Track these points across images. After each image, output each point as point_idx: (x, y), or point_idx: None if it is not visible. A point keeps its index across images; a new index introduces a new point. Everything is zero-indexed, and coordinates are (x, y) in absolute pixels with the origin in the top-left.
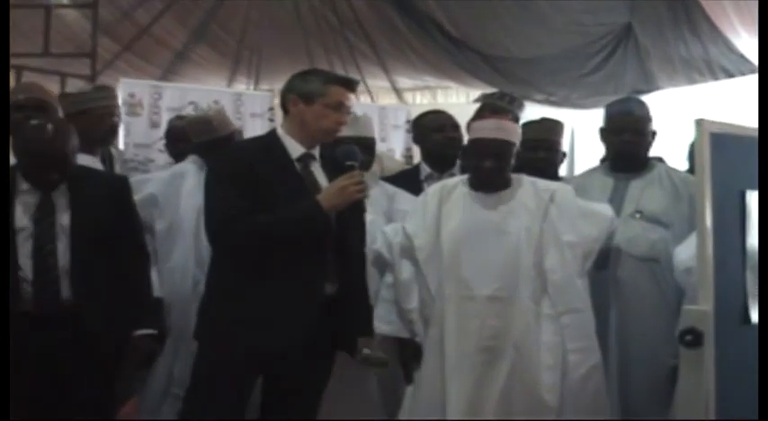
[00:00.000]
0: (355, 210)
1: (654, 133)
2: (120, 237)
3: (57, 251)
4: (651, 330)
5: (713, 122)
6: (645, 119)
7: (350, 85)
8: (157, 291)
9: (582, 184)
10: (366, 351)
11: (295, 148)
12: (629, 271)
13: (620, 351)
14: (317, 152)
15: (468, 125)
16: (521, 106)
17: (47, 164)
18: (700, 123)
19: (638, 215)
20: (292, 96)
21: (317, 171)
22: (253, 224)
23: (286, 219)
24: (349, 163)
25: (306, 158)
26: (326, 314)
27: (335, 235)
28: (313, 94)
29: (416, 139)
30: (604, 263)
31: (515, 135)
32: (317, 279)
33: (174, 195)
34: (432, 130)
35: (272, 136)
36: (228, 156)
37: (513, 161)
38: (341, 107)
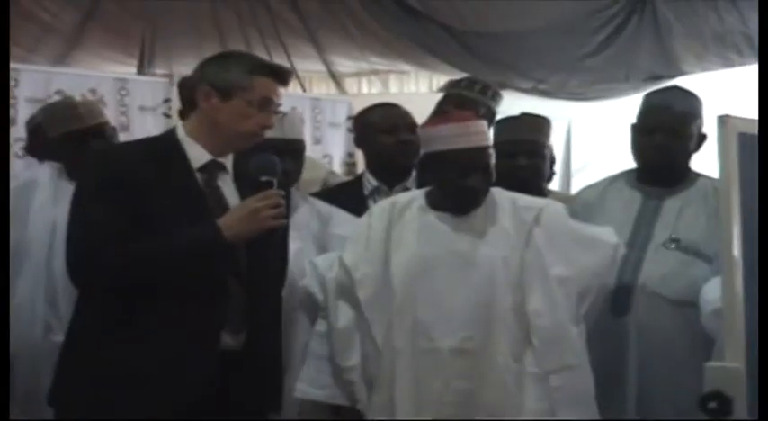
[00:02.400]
0: (273, 238)
1: (702, 136)
2: None
3: None
4: (683, 397)
5: (742, 120)
6: (687, 116)
7: (281, 76)
8: None
9: (596, 200)
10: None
11: (199, 155)
12: (657, 317)
13: None
14: (228, 161)
15: (424, 128)
16: (496, 97)
17: None
18: (724, 121)
19: (672, 245)
20: (205, 88)
21: (227, 186)
22: (123, 255)
23: (170, 250)
24: (264, 178)
25: (212, 169)
26: (227, 375)
27: (245, 270)
28: (232, 87)
29: (360, 142)
30: (626, 306)
31: (489, 137)
32: (211, 328)
33: (22, 211)
34: (380, 131)
35: (168, 138)
36: (103, 161)
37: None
38: (268, 105)
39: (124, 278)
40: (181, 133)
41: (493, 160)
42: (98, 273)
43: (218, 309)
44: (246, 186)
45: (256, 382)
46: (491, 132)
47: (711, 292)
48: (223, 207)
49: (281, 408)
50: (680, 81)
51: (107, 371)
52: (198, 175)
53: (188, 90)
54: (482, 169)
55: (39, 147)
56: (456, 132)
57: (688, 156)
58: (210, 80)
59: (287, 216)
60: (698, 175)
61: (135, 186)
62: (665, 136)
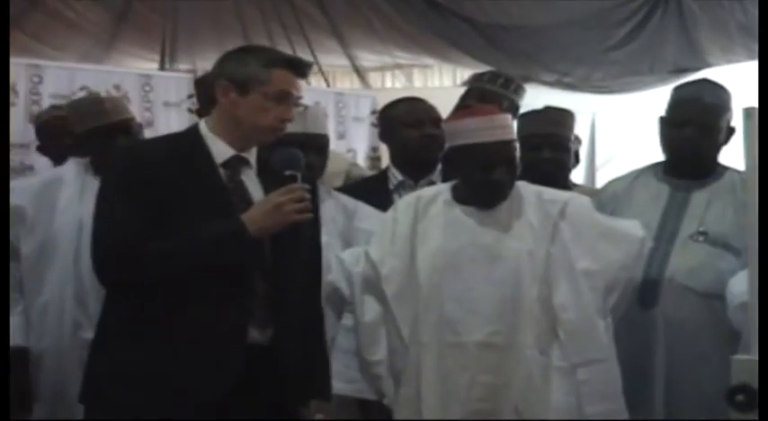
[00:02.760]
0: (299, 231)
1: (731, 129)
2: None
3: None
4: (711, 390)
5: None
6: (717, 109)
7: (300, 69)
8: (18, 336)
9: (623, 192)
10: (320, 418)
11: (222, 151)
12: (686, 310)
13: (668, 415)
14: (252, 156)
15: (448, 122)
16: (519, 90)
17: None
18: (749, 113)
19: (701, 237)
20: (223, 83)
21: (251, 181)
22: (148, 252)
23: (195, 246)
24: (288, 172)
25: (235, 164)
26: (255, 371)
27: (271, 265)
28: (250, 81)
29: (384, 136)
30: (653, 298)
31: (514, 130)
32: (238, 323)
33: (48, 209)
34: (405, 125)
35: (192, 134)
36: (127, 158)
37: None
38: (286, 98)
39: (149, 275)
40: (204, 129)
41: (518, 153)
42: (123, 269)
43: (243, 305)
44: (270, 181)
45: (294, 377)
46: (515, 126)
47: (738, 286)
48: (247, 202)
49: (330, 396)
50: (705, 73)
51: (135, 369)
52: (221, 171)
53: (208, 86)
54: (507, 162)
55: (50, 145)
56: (480, 126)
57: (717, 150)
58: (228, 75)
59: (315, 210)
60: (726, 168)
61: (159, 183)
62: (694, 129)
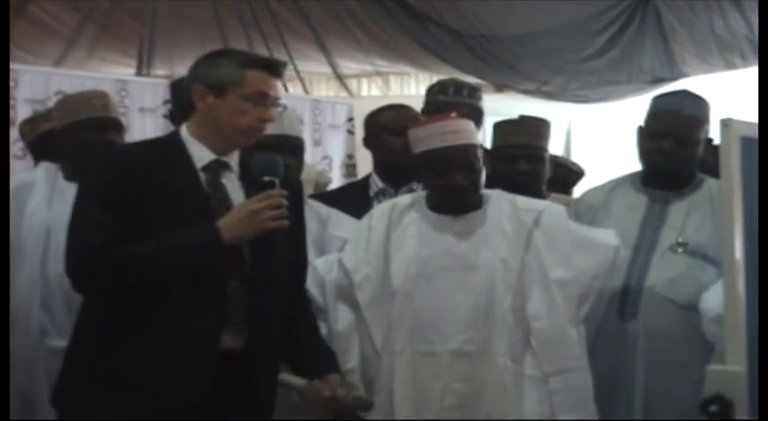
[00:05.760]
0: (276, 238)
1: (709, 140)
2: None
3: None
4: (690, 401)
5: (745, 123)
6: (695, 121)
7: (274, 69)
8: None
9: (601, 202)
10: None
11: (202, 155)
12: (665, 322)
13: None
14: (233, 159)
15: (409, 131)
16: (473, 93)
17: None
18: (726, 125)
19: (680, 249)
20: (199, 87)
21: (232, 185)
22: (122, 257)
23: (170, 252)
24: (267, 178)
25: (216, 168)
26: (227, 376)
27: (249, 271)
28: (225, 83)
29: (368, 143)
30: (633, 310)
31: (476, 135)
32: (211, 329)
33: (17, 214)
34: (389, 132)
35: (172, 138)
36: (107, 162)
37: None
38: (264, 99)
39: (124, 280)
40: (184, 133)
41: (479, 158)
42: (97, 275)
43: (218, 311)
44: (252, 185)
45: (255, 383)
46: (477, 130)
47: (712, 299)
48: (227, 207)
49: (339, 369)
50: (682, 83)
51: (109, 373)
52: (202, 175)
53: (184, 91)
54: (464, 167)
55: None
56: (434, 132)
57: (696, 161)
58: (203, 78)
59: (299, 211)
60: (704, 179)
61: (139, 188)
62: (673, 141)
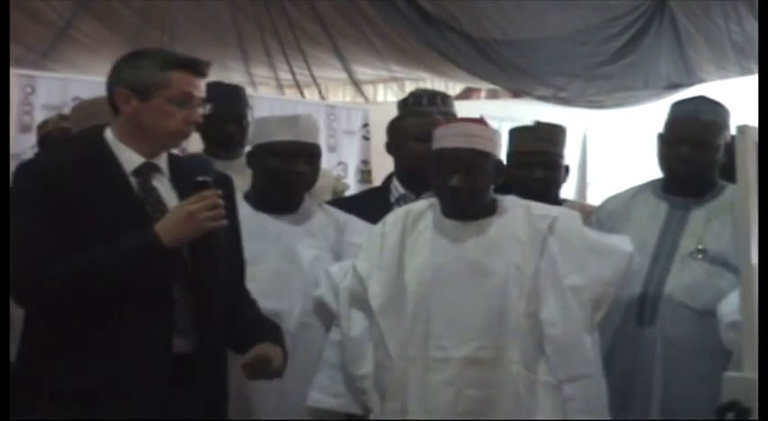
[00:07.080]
0: (215, 238)
1: (729, 146)
2: None
3: None
4: (708, 408)
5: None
6: (714, 127)
7: (197, 69)
8: None
9: (622, 209)
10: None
11: (131, 159)
12: (684, 328)
13: None
14: (162, 161)
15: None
16: (446, 100)
17: None
18: (743, 131)
19: (700, 255)
20: (122, 90)
21: (164, 187)
22: (63, 269)
23: (110, 263)
24: (200, 179)
25: (146, 171)
26: (180, 379)
27: (191, 273)
28: (148, 86)
29: (391, 148)
30: (651, 316)
31: (492, 144)
32: (160, 334)
33: None
34: (413, 138)
35: (96, 142)
36: (30, 171)
37: (495, 177)
38: (189, 100)
39: (67, 292)
40: (110, 137)
41: (484, 165)
42: (40, 289)
43: (166, 315)
44: (184, 187)
45: (207, 385)
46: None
47: (729, 305)
48: (161, 210)
49: (279, 339)
50: (699, 89)
51: (60, 386)
52: (132, 180)
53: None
54: (464, 170)
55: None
56: (448, 133)
57: (715, 167)
58: (126, 82)
59: (233, 213)
60: (725, 185)
61: (68, 197)
62: (692, 147)
